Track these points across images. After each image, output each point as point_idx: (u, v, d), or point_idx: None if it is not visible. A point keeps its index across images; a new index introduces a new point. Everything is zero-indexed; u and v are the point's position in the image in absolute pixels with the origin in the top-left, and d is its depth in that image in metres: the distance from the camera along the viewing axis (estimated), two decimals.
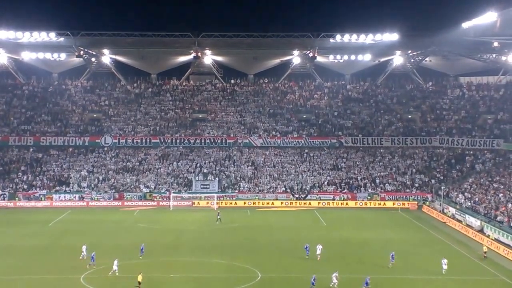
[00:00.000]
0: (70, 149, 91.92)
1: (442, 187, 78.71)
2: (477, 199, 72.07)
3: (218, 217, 68.14)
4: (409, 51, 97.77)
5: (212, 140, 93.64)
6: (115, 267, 44.76)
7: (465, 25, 75.85)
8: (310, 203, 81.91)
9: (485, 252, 51.82)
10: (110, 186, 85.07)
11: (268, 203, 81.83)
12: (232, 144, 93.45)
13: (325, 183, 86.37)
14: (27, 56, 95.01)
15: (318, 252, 49.91)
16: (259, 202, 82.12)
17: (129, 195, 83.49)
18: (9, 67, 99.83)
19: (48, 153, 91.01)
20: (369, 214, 76.55)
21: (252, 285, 43.38)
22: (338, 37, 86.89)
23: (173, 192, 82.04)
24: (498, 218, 62.81)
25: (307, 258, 50.50)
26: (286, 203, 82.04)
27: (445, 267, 46.11)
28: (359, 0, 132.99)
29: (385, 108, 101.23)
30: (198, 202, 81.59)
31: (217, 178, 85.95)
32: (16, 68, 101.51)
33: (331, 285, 42.37)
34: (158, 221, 69.78)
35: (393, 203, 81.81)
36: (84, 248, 49.37)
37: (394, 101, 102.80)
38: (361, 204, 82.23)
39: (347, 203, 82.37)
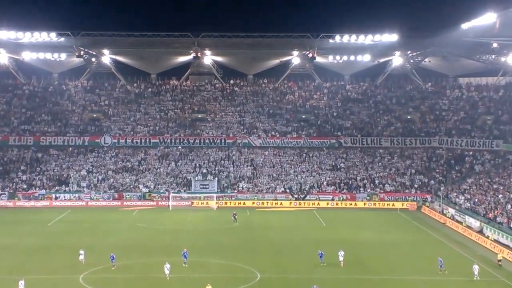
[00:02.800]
0: (70, 149, 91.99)
1: (442, 188, 78.56)
2: (476, 200, 72.01)
3: (235, 217, 67.69)
4: (409, 52, 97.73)
5: (211, 140, 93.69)
6: (167, 271, 43.79)
7: (465, 26, 75.80)
8: (309, 204, 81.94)
9: (499, 261, 49.99)
10: (110, 186, 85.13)
11: (267, 203, 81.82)
12: (231, 144, 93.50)
13: (325, 183, 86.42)
14: (27, 56, 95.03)
15: (341, 258, 47.93)
16: (258, 202, 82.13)
17: (128, 195, 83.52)
18: (9, 67, 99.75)
19: (47, 153, 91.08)
20: (368, 214, 76.51)
21: (251, 285, 43.31)
22: (337, 37, 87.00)
23: (173, 192, 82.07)
24: (498, 219, 62.83)
25: (306, 260, 50.30)
26: (286, 204, 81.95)
27: (476, 272, 44.97)
28: (358, 0, 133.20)
29: (385, 108, 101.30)
30: (201, 202, 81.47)
31: (216, 178, 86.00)
32: (16, 68, 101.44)
33: None
34: (157, 221, 69.75)
35: (393, 204, 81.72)
36: (82, 252, 48.18)
37: (394, 101, 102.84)
38: (360, 204, 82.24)
39: (346, 204, 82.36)
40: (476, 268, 45.29)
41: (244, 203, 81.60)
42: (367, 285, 44.07)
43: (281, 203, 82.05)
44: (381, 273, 47.06)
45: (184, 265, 47.35)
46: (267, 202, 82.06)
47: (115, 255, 47.64)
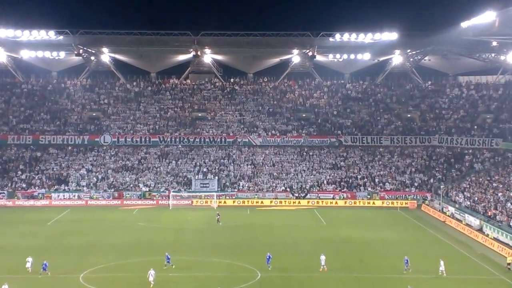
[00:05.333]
0: (69, 148, 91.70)
1: (441, 186, 78.68)
2: (476, 198, 72.04)
3: (218, 217, 67.07)
4: (408, 50, 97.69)
5: (211, 139, 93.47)
6: (151, 277, 41.65)
7: (464, 24, 75.41)
8: (309, 202, 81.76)
9: (508, 264, 48.84)
10: (109, 185, 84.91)
11: (267, 202, 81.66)
12: (231, 143, 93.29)
13: (325, 182, 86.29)
14: (26, 54, 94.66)
15: (323, 263, 46.26)
16: (258, 201, 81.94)
17: (128, 194, 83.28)
18: (8, 66, 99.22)
19: (47, 152, 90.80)
20: (368, 213, 76.48)
21: (251, 284, 43.21)
22: (337, 36, 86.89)
23: (173, 191, 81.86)
24: (497, 217, 62.77)
25: (306, 259, 50.08)
26: (286, 202, 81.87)
27: (441, 268, 45.37)
28: None
29: (385, 107, 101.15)
30: (204, 201, 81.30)
31: (216, 177, 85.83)
32: (15, 66, 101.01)
33: None
34: (157, 220, 69.58)
35: (393, 202, 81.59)
36: (29, 260, 45.43)
37: (394, 100, 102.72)
38: (360, 203, 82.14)
39: (346, 202, 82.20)
40: (442, 263, 45.42)
41: (244, 202, 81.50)
42: (367, 284, 43.96)
43: (281, 202, 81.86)
44: (382, 271, 46.92)
45: (165, 266, 45.77)
46: (268, 201, 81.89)
47: (113, 255, 47.39)
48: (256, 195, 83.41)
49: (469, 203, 71.95)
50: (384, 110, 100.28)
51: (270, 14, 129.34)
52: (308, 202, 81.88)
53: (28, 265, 45.23)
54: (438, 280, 44.96)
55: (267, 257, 47.23)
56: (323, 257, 46.61)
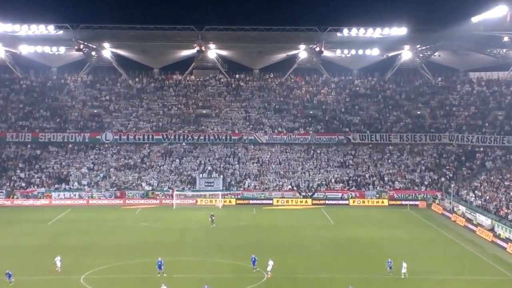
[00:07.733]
0: (70, 146, 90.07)
1: (452, 185, 77.45)
2: (487, 197, 70.76)
3: (212, 218, 64.52)
4: (418, 46, 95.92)
5: (216, 137, 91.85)
6: None
7: (475, 19, 74.12)
8: (317, 201, 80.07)
9: None
10: (111, 184, 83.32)
11: (274, 201, 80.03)
12: (237, 140, 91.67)
13: (333, 180, 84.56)
14: (25, 49, 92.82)
15: (269, 268, 43.97)
16: (264, 200, 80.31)
17: (130, 193, 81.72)
18: (6, 61, 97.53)
19: (47, 150, 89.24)
20: (377, 212, 75.23)
21: (258, 285, 42.18)
22: (345, 31, 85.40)
23: (176, 190, 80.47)
24: (510, 217, 61.24)
25: (314, 260, 49.23)
26: (293, 202, 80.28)
27: (403, 270, 43.96)
28: None
29: (394, 104, 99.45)
30: (209, 201, 79.60)
31: (221, 176, 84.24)
32: (13, 62, 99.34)
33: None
34: (160, 220, 68.34)
35: (402, 202, 80.00)
36: (58, 259, 44.90)
37: (403, 96, 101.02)
38: (369, 202, 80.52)
39: (355, 201, 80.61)
40: (404, 265, 44.23)
41: (250, 201, 79.98)
42: (375, 285, 43.02)
43: (288, 201, 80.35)
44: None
45: (158, 274, 42.98)
46: (274, 200, 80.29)
47: (114, 255, 45.99)
48: (262, 194, 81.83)
49: (480, 202, 70.72)
50: (393, 107, 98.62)
51: (276, 8, 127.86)
52: (315, 201, 79.90)
53: (58, 264, 44.50)
54: (449, 280, 43.93)
55: (252, 259, 45.49)
56: (271, 262, 44.47)
